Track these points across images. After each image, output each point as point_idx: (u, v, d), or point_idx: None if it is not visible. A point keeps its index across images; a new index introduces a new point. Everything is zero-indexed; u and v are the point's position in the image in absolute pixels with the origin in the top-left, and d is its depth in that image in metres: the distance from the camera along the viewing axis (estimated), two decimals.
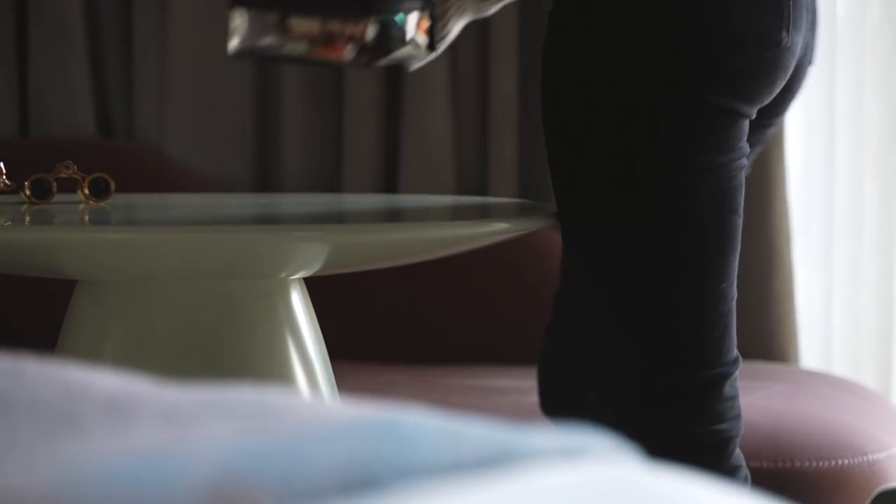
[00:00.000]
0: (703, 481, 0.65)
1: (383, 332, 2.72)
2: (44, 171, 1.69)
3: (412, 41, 1.65)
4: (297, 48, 1.68)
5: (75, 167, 1.70)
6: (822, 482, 1.95)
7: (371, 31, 1.63)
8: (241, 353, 1.53)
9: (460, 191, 2.80)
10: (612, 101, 1.59)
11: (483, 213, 1.76)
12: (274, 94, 2.86)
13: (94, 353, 1.54)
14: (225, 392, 0.68)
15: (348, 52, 1.64)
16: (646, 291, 1.62)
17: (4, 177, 1.72)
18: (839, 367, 2.77)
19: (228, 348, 1.53)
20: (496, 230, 1.51)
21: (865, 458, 1.99)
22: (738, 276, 2.68)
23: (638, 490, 0.62)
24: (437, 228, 1.49)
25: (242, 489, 0.53)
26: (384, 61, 1.65)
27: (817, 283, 2.78)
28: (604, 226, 1.62)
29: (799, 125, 2.76)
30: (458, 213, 1.85)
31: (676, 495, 0.62)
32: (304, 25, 1.69)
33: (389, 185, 2.83)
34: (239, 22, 1.72)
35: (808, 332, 2.77)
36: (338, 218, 1.66)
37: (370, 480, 0.56)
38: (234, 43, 1.72)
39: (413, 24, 1.65)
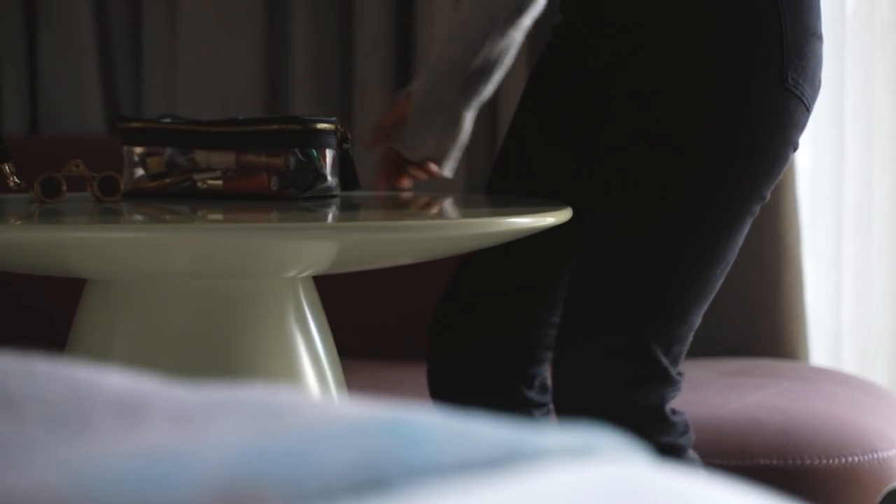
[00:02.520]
0: (713, 481, 0.65)
1: (392, 330, 2.72)
2: (53, 170, 1.69)
3: (325, 175, 1.69)
4: (211, 181, 1.72)
5: (84, 165, 1.70)
6: (831, 480, 1.95)
7: (292, 163, 1.67)
8: (251, 352, 1.53)
9: (469, 189, 2.80)
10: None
11: (494, 211, 1.76)
12: (284, 91, 2.86)
13: (103, 352, 1.54)
14: (234, 391, 0.68)
15: (274, 184, 1.68)
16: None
17: (14, 176, 1.72)
18: (848, 364, 2.76)
19: (238, 347, 1.53)
20: (511, 228, 1.51)
21: (875, 456, 1.98)
22: (748, 273, 2.70)
23: (648, 489, 0.62)
24: (449, 226, 1.49)
25: (252, 490, 0.53)
26: (305, 193, 1.68)
27: (827, 280, 2.77)
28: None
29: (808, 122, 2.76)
30: (468, 211, 1.85)
31: (687, 494, 0.62)
32: (214, 158, 1.72)
33: None
34: (136, 159, 1.75)
35: (817, 329, 2.76)
36: (347, 216, 1.66)
37: (379, 480, 0.56)
38: (132, 180, 1.74)
39: (328, 162, 1.70)
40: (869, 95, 2.75)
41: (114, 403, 0.65)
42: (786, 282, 2.67)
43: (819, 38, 1.80)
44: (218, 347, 1.53)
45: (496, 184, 1.94)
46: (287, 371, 1.54)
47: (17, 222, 1.55)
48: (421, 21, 2.76)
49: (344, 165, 1.75)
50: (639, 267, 1.73)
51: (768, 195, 1.76)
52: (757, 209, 1.75)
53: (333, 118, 1.76)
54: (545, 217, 1.52)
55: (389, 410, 0.64)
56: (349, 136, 1.77)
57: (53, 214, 1.63)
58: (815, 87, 1.79)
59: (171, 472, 0.53)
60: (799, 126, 1.77)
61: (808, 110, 1.78)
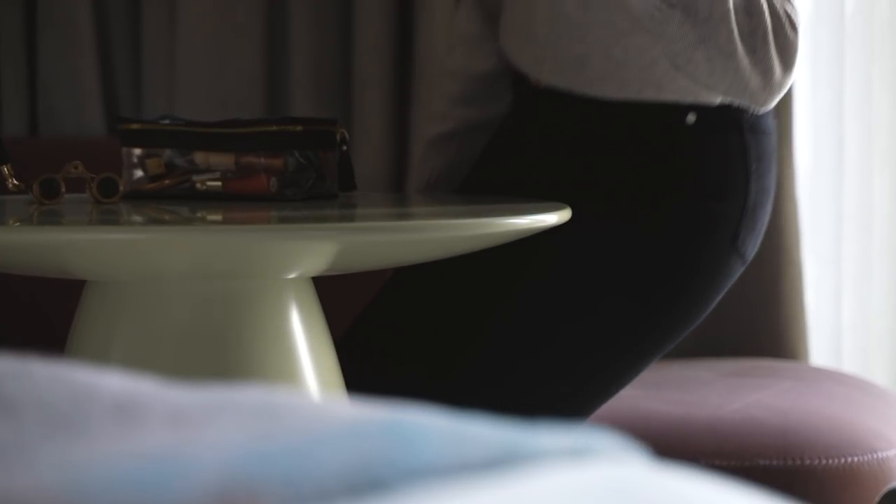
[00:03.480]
0: (712, 481, 0.65)
1: None
2: (53, 171, 1.69)
3: (324, 176, 1.71)
4: (210, 182, 1.73)
5: (83, 167, 1.70)
6: (831, 480, 1.95)
7: (291, 164, 1.68)
8: (250, 353, 1.53)
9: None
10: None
11: (494, 211, 1.76)
12: (283, 93, 2.86)
13: (103, 354, 1.54)
14: (232, 393, 0.68)
15: (273, 185, 1.68)
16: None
17: (13, 177, 1.72)
18: (849, 365, 2.76)
19: (237, 348, 1.53)
20: (511, 228, 1.51)
21: (875, 456, 1.98)
22: (748, 274, 2.71)
23: (647, 490, 0.62)
24: (449, 227, 1.49)
25: (248, 491, 0.53)
26: (303, 194, 1.70)
27: (827, 280, 2.77)
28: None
29: (808, 122, 2.76)
30: (467, 212, 1.85)
31: (686, 496, 0.62)
32: (214, 159, 1.73)
33: (397, 183, 2.83)
34: (135, 160, 1.75)
35: (817, 330, 2.76)
36: (346, 217, 1.66)
37: (376, 482, 0.56)
38: (132, 181, 1.75)
39: (328, 163, 1.72)
40: (868, 95, 2.75)
41: (111, 405, 0.65)
42: (786, 282, 2.67)
43: (771, 196, 1.88)
44: (217, 349, 1.53)
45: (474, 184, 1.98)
46: (286, 372, 1.54)
47: (17, 223, 1.55)
48: (421, 21, 2.76)
49: (341, 166, 1.76)
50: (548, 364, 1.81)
51: (679, 339, 1.83)
52: (667, 349, 1.83)
53: (333, 119, 1.76)
54: (545, 217, 1.52)
55: (387, 412, 0.64)
56: (347, 137, 1.78)
57: (53, 215, 1.63)
58: (757, 242, 1.87)
59: (168, 474, 0.53)
60: (732, 280, 1.85)
61: (744, 265, 1.86)
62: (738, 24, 1.74)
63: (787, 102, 2.65)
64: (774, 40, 1.76)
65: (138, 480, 0.53)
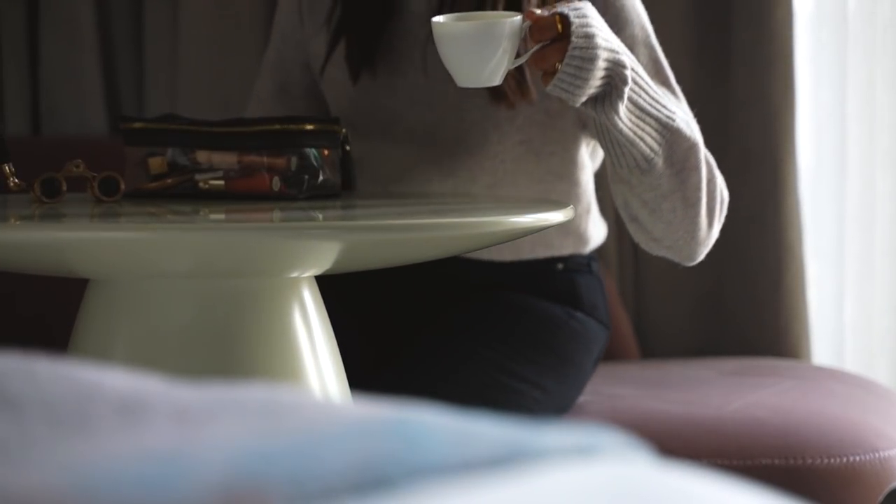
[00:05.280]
0: (715, 480, 0.65)
1: None
2: (54, 170, 1.69)
3: (326, 175, 1.71)
4: (212, 181, 1.73)
5: (84, 166, 1.70)
6: (833, 479, 1.95)
7: (294, 163, 1.69)
8: (253, 352, 1.53)
9: None
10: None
11: (495, 211, 1.76)
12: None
13: (105, 352, 1.53)
14: (236, 391, 0.68)
15: (275, 184, 1.69)
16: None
17: (14, 176, 1.72)
18: (851, 364, 2.76)
19: (240, 347, 1.52)
20: (513, 227, 1.51)
21: (877, 455, 1.98)
22: (750, 273, 2.71)
23: (651, 489, 0.62)
24: (449, 226, 1.49)
25: (253, 490, 0.53)
26: (305, 193, 1.70)
27: (829, 279, 2.77)
28: None
29: (810, 121, 2.76)
30: (469, 211, 1.85)
31: (690, 494, 0.62)
32: (216, 158, 1.73)
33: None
34: (138, 159, 1.75)
35: (819, 329, 2.76)
36: (349, 216, 1.66)
37: (381, 480, 0.56)
38: (131, 182, 1.75)
39: (330, 162, 1.73)
40: (871, 95, 2.75)
41: (115, 403, 0.65)
42: (788, 281, 2.67)
43: None
44: (220, 347, 1.53)
45: None
46: (289, 371, 1.54)
47: (17, 222, 1.55)
48: None
49: (343, 165, 1.76)
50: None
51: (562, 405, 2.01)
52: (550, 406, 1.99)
53: (335, 118, 1.76)
54: (547, 217, 1.52)
55: (392, 410, 0.64)
56: (349, 136, 1.78)
57: (54, 214, 1.63)
58: None
59: (173, 473, 0.53)
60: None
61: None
62: (704, 175, 1.76)
63: (789, 102, 2.65)
64: (721, 193, 1.81)
65: (143, 479, 0.53)
